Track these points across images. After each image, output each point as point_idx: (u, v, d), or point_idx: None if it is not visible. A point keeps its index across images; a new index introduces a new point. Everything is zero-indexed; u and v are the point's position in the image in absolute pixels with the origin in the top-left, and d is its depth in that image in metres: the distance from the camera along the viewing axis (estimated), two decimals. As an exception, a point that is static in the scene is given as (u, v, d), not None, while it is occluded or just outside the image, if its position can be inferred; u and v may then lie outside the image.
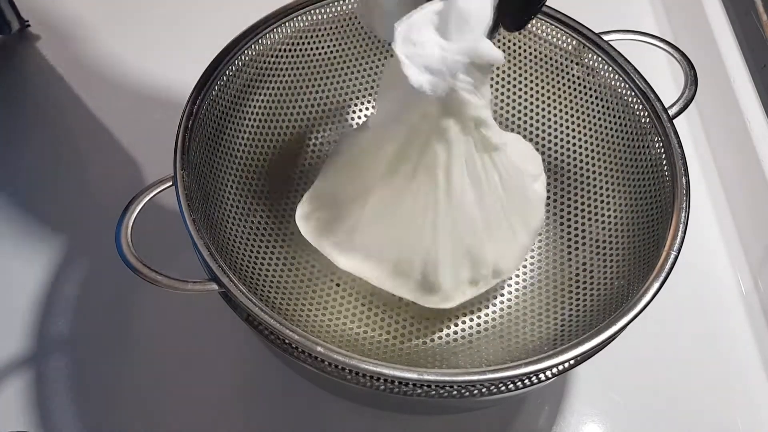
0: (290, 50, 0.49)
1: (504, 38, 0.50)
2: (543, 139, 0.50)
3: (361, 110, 0.53)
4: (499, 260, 0.42)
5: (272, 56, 0.48)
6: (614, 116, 0.47)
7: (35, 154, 0.60)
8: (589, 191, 0.48)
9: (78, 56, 0.66)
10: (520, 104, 0.51)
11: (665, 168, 0.42)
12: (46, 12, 0.68)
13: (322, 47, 0.50)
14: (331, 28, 0.50)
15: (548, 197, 0.48)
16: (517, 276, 0.48)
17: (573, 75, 0.49)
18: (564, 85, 0.49)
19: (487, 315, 0.45)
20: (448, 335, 0.44)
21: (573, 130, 0.49)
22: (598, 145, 0.48)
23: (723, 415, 0.50)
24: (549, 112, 0.50)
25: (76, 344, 0.51)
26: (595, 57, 0.47)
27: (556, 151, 0.50)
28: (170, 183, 0.40)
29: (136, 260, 0.38)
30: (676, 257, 0.38)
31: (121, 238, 0.38)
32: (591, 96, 0.48)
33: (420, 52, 0.30)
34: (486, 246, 0.41)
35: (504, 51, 0.50)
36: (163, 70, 0.65)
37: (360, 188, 0.41)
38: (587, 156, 0.49)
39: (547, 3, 0.47)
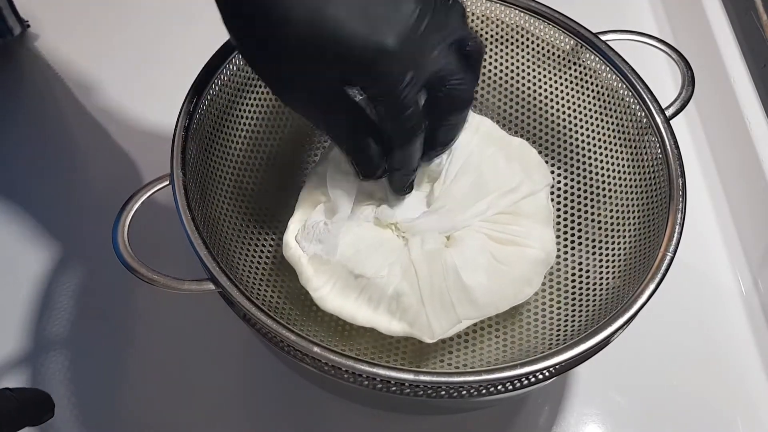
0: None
1: (501, 36, 0.50)
2: (540, 138, 0.50)
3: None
4: (496, 302, 0.42)
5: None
6: (612, 116, 0.47)
7: (32, 153, 0.61)
8: (585, 190, 0.48)
9: (76, 55, 0.66)
10: (517, 103, 0.51)
11: (662, 169, 0.42)
12: (45, 11, 0.68)
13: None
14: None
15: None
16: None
17: (570, 75, 0.49)
18: (561, 84, 0.49)
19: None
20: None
21: (570, 129, 0.49)
22: (595, 145, 0.48)
23: (723, 415, 0.50)
24: (546, 112, 0.50)
25: (73, 343, 0.51)
26: (592, 57, 0.47)
27: (552, 150, 0.50)
28: (167, 182, 0.40)
29: (132, 259, 0.38)
30: (672, 259, 0.38)
31: (118, 237, 0.38)
32: (588, 96, 0.48)
33: (310, 231, 0.41)
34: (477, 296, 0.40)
35: (502, 49, 0.50)
36: (162, 68, 0.65)
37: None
38: (584, 155, 0.48)
39: (546, 3, 0.48)
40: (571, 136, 0.49)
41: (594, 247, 0.46)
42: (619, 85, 0.46)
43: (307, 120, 0.41)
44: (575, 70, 0.48)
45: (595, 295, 0.43)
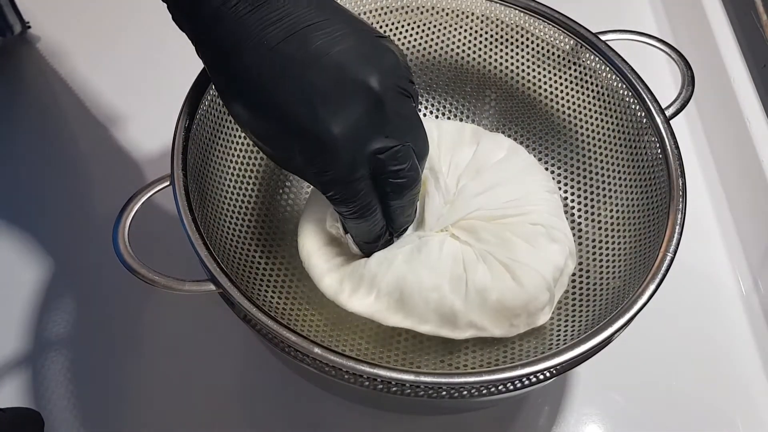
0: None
1: (501, 36, 0.50)
2: (540, 138, 0.50)
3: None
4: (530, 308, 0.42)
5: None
6: (612, 116, 0.47)
7: (33, 153, 0.61)
8: (586, 191, 0.48)
9: (77, 56, 0.66)
10: (517, 103, 0.51)
11: (662, 169, 0.42)
12: (46, 13, 0.68)
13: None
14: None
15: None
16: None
17: (570, 75, 0.49)
18: (561, 84, 0.49)
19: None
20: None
21: (570, 129, 0.49)
22: (595, 145, 0.48)
23: (723, 416, 0.50)
24: (546, 112, 0.50)
25: (74, 344, 0.51)
26: (592, 57, 0.47)
27: (552, 150, 0.50)
28: (168, 183, 0.40)
29: (133, 260, 0.38)
30: (672, 259, 0.38)
31: (118, 237, 0.38)
32: (588, 96, 0.48)
33: None
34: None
35: (501, 49, 0.50)
36: (163, 68, 0.65)
37: None
38: (584, 156, 0.48)
39: (546, 3, 0.48)
40: (571, 136, 0.49)
41: (594, 247, 0.46)
42: (619, 85, 0.46)
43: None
44: (575, 70, 0.48)
45: (595, 295, 0.43)
